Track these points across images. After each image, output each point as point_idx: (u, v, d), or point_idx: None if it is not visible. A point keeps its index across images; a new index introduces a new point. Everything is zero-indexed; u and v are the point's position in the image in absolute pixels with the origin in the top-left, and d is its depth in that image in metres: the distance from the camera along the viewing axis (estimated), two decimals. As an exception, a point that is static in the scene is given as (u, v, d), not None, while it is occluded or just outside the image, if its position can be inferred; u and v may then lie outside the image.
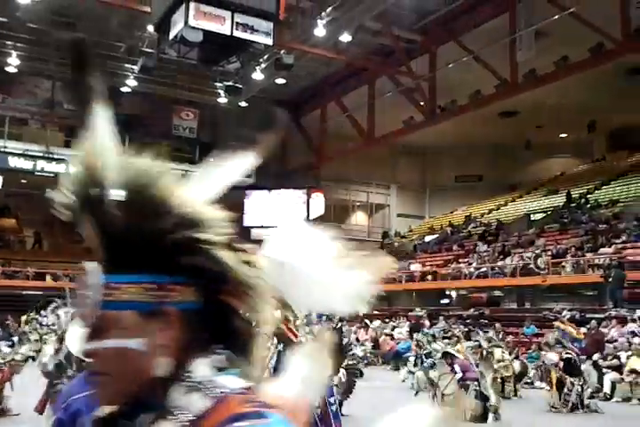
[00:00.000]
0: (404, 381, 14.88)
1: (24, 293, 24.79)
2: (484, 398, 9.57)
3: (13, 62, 25.38)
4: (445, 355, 10.06)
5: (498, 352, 12.28)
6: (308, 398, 1.40)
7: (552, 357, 10.79)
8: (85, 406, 1.85)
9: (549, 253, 21.30)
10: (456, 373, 9.60)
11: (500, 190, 34.00)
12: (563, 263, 20.11)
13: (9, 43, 24.74)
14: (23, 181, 27.74)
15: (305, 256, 1.15)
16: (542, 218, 26.94)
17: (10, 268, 27.10)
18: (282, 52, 20.17)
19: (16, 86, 27.24)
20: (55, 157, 26.91)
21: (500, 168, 34.05)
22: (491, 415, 9.52)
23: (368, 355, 18.55)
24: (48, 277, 26.88)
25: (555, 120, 28.08)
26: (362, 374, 15.88)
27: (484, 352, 10.47)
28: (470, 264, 23.69)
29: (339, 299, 1.14)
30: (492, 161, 33.73)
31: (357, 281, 1.13)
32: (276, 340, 6.78)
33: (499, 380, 12.07)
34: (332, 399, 6.76)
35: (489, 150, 32.94)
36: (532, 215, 27.81)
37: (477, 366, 9.87)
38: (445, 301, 26.73)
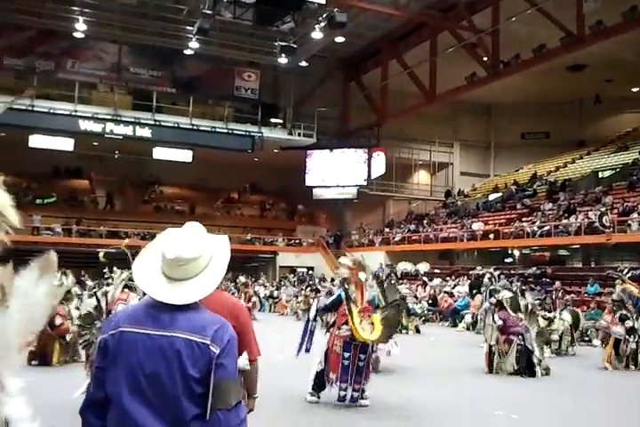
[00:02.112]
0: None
1: (97, 250, 26.01)
2: (528, 352, 9.68)
3: (80, 28, 26.02)
4: (498, 303, 10.20)
5: (541, 320, 12.26)
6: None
7: (619, 329, 10.65)
8: (134, 341, 2.06)
9: (616, 211, 20.78)
10: (495, 322, 9.76)
11: (567, 147, 33.05)
12: (629, 221, 19.60)
13: (75, 9, 25.37)
14: (95, 143, 28.80)
15: None
16: (611, 175, 26.14)
17: (84, 227, 28.44)
18: (335, 10, 19.95)
19: (84, 51, 27.97)
20: (123, 119, 27.77)
21: (568, 124, 33.02)
22: (538, 369, 9.63)
23: (426, 312, 18.79)
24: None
25: (625, 74, 26.92)
26: (418, 331, 16.23)
27: (529, 306, 10.47)
28: (534, 223, 23.33)
29: None
30: (560, 117, 32.70)
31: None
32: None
33: (556, 337, 12.14)
34: (362, 356, 7.11)
35: (556, 106, 31.92)
36: (600, 173, 27.01)
37: (521, 320, 9.96)
38: (509, 260, 26.58)
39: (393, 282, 8.23)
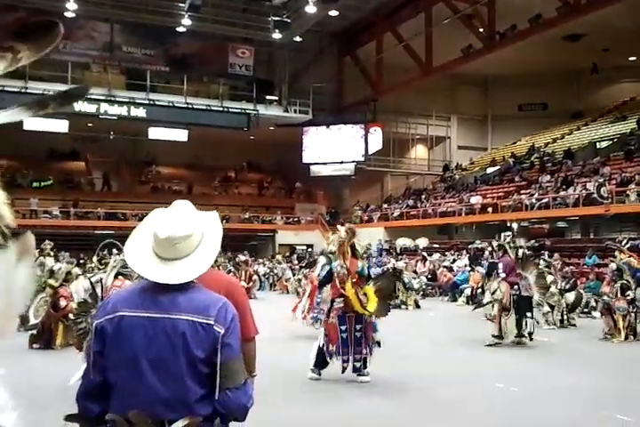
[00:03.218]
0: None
1: (96, 232, 26.04)
2: (525, 300, 9.84)
3: (71, 7, 25.68)
4: (500, 247, 10.25)
5: (550, 278, 12.35)
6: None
7: (622, 304, 10.67)
8: (136, 325, 2.06)
9: (614, 181, 20.75)
10: (499, 275, 9.94)
11: (565, 118, 32.88)
12: (627, 192, 19.57)
13: (65, -13, 25.03)
14: (89, 124, 28.58)
15: None
16: (608, 146, 26.04)
17: (81, 209, 28.39)
18: (328, -18, 19.72)
19: (75, 31, 27.58)
20: (117, 99, 27.55)
21: (566, 95, 32.84)
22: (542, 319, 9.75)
23: (424, 287, 18.85)
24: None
25: (623, 43, 26.62)
26: (418, 306, 16.31)
27: (520, 252, 10.45)
28: (532, 195, 23.31)
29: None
30: (557, 88, 32.48)
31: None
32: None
33: (547, 308, 12.19)
34: (358, 327, 7.16)
35: (553, 77, 31.64)
36: (597, 143, 26.91)
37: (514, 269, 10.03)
38: (507, 233, 26.54)
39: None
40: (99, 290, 6.77)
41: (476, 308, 11.47)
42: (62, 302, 9.47)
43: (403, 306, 15.94)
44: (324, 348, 7.25)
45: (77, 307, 7.02)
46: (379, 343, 7.32)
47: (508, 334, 9.83)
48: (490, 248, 22.34)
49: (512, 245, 10.36)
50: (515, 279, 9.88)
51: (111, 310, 2.10)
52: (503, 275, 9.87)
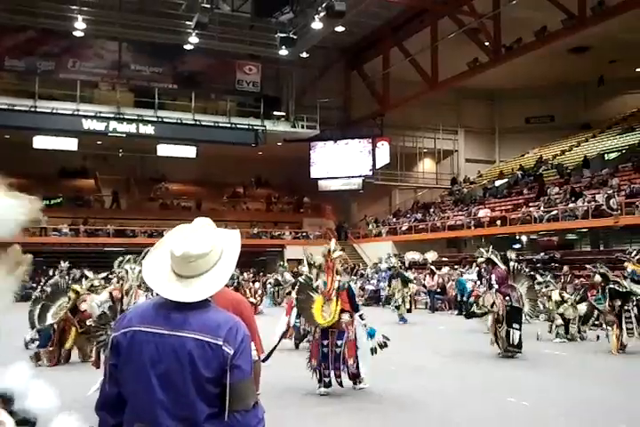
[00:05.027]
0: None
1: (105, 249, 26.16)
2: (516, 311, 9.84)
3: (79, 26, 25.94)
4: (488, 261, 10.22)
5: (555, 294, 12.29)
6: None
7: (610, 318, 10.71)
8: (147, 341, 2.05)
9: (623, 193, 20.67)
10: (492, 286, 9.96)
11: (573, 130, 32.85)
12: (636, 203, 19.48)
13: (74, 7, 25.32)
14: (98, 142, 28.79)
15: None
16: (617, 157, 25.98)
17: (91, 226, 28.52)
18: (335, -2, 19.88)
19: (84, 50, 27.93)
20: (126, 117, 27.75)
21: (573, 107, 32.87)
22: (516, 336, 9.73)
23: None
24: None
25: (629, 54, 26.67)
26: (410, 311, 16.18)
27: (511, 266, 10.39)
28: (541, 208, 23.24)
29: None
30: (564, 100, 32.54)
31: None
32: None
33: (560, 321, 12.10)
34: (339, 342, 7.20)
35: (560, 89, 31.75)
36: (606, 155, 26.85)
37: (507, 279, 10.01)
38: (517, 246, 26.48)
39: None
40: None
41: (468, 317, 11.41)
42: (83, 306, 9.54)
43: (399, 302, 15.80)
44: (307, 362, 7.33)
45: (97, 319, 7.08)
46: (373, 351, 7.33)
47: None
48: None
49: (499, 257, 10.34)
50: (506, 290, 9.86)
51: (127, 324, 2.11)
52: (496, 286, 9.88)
